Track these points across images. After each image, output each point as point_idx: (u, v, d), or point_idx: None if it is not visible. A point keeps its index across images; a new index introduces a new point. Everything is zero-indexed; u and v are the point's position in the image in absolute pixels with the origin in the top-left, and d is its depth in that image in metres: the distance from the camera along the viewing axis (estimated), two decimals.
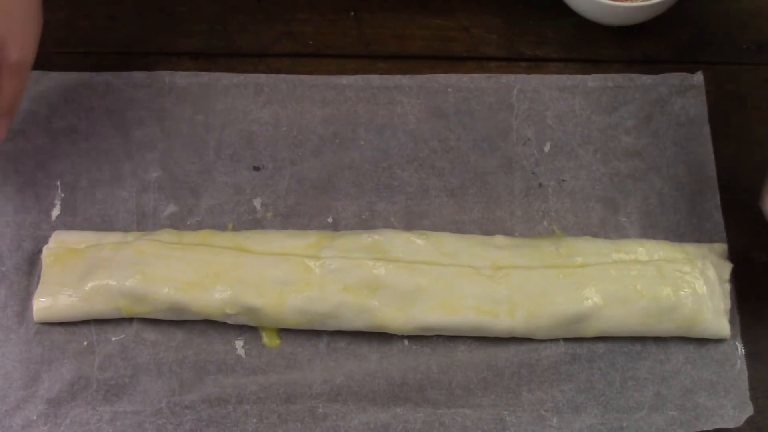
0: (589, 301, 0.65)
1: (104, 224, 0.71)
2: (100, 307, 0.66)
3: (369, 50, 0.79)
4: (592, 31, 0.79)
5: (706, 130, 0.74)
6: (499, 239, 0.69)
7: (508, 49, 0.79)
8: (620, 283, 0.66)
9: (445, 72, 0.77)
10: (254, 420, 0.65)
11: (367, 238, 0.67)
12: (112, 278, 0.66)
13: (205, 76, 0.76)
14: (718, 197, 0.72)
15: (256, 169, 0.73)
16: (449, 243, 0.68)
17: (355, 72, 0.77)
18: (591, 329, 0.66)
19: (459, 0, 0.81)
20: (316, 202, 0.72)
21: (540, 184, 0.73)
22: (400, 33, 0.80)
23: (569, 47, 0.79)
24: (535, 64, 0.78)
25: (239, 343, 0.67)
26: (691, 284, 0.66)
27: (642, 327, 0.66)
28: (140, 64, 0.78)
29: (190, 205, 0.72)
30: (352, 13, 0.81)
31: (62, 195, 0.72)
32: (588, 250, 0.68)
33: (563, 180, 0.73)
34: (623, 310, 0.65)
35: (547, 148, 0.74)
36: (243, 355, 0.67)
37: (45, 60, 0.76)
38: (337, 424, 0.65)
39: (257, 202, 0.72)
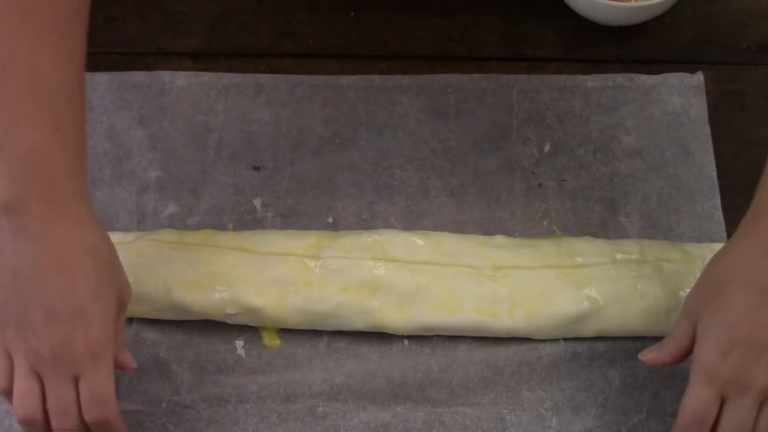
0: (589, 301, 0.65)
1: (104, 224, 0.71)
2: None
3: (369, 50, 0.79)
4: (592, 31, 0.79)
5: (706, 130, 0.75)
6: (499, 239, 0.69)
7: (508, 49, 0.79)
8: (620, 283, 0.66)
9: (445, 72, 0.77)
10: (254, 419, 0.65)
11: (367, 238, 0.67)
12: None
13: (205, 76, 0.76)
14: (718, 197, 0.72)
15: (256, 169, 0.73)
16: (449, 243, 0.68)
17: (355, 72, 0.77)
18: (591, 329, 0.66)
19: (459, 0, 0.81)
20: (316, 202, 0.72)
21: (540, 184, 0.73)
22: (400, 33, 0.80)
23: (569, 47, 0.79)
24: (535, 64, 0.78)
25: (239, 343, 0.67)
26: (690, 284, 0.65)
27: (642, 327, 0.66)
28: (140, 64, 0.78)
29: (190, 205, 0.72)
30: (352, 13, 0.81)
31: None
32: (588, 250, 0.68)
33: (563, 180, 0.73)
34: (623, 311, 0.65)
35: (547, 148, 0.74)
36: (243, 355, 0.67)
37: None
38: (337, 423, 0.64)
39: (257, 202, 0.72)
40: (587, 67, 0.78)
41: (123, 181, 0.73)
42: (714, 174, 0.73)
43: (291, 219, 0.72)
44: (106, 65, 0.77)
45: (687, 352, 0.58)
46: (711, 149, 0.74)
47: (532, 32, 0.80)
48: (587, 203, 0.72)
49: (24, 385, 0.55)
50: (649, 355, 0.60)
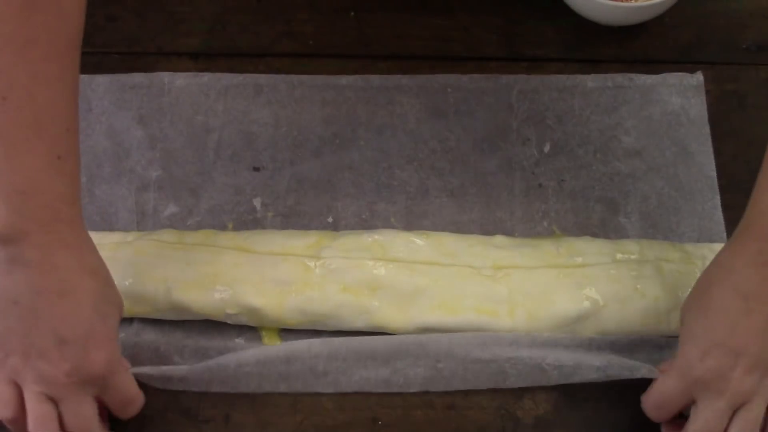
0: (589, 301, 0.65)
1: (103, 223, 0.71)
2: None
3: (369, 50, 0.79)
4: (592, 31, 0.79)
5: (706, 130, 0.75)
6: (500, 239, 0.69)
7: (508, 49, 0.79)
8: (620, 283, 0.66)
9: (445, 72, 0.77)
10: (256, 378, 0.64)
11: (367, 238, 0.67)
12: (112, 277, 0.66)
13: (204, 77, 0.76)
14: (718, 197, 0.72)
15: (256, 169, 0.73)
16: (449, 243, 0.68)
17: (355, 72, 0.77)
18: (591, 329, 0.66)
19: (459, 0, 0.81)
20: (316, 202, 0.72)
21: (540, 185, 0.73)
22: (400, 33, 0.80)
23: (569, 47, 0.79)
24: (535, 64, 0.78)
25: (239, 341, 0.67)
26: (690, 284, 0.65)
27: (642, 327, 0.66)
28: (140, 64, 0.78)
29: (190, 205, 0.72)
30: (352, 13, 0.81)
31: None
32: (588, 249, 0.68)
33: (563, 180, 0.73)
34: (623, 310, 0.65)
35: (546, 149, 0.74)
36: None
37: None
38: (338, 379, 0.64)
39: (257, 202, 0.72)
40: (587, 67, 0.78)
41: (123, 179, 0.73)
42: (714, 174, 0.73)
43: (291, 219, 0.72)
44: (106, 65, 0.77)
45: None
46: (711, 149, 0.74)
47: (532, 32, 0.80)
48: (587, 203, 0.72)
49: (39, 411, 0.56)
50: (664, 366, 0.62)
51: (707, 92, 0.76)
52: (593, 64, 0.78)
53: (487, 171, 0.73)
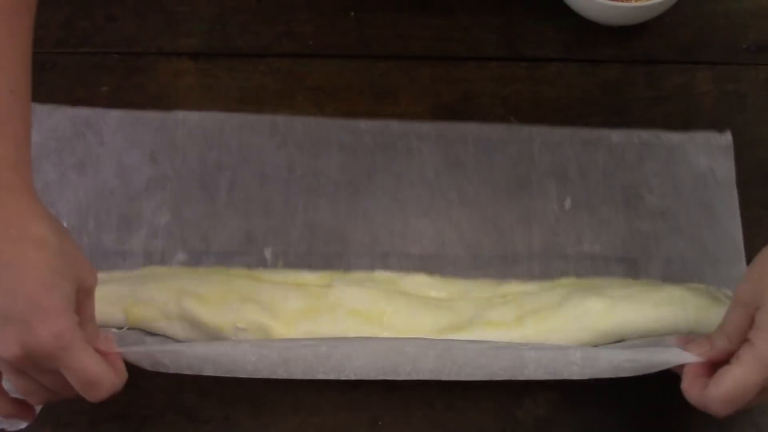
0: (602, 304, 0.64)
1: (110, 269, 0.69)
2: (101, 310, 0.61)
3: (369, 50, 0.79)
4: (592, 31, 0.79)
5: (734, 192, 0.72)
6: (513, 283, 0.69)
7: (508, 49, 0.79)
8: (635, 292, 0.65)
9: (445, 72, 0.77)
10: (253, 359, 0.59)
11: (380, 276, 0.68)
12: (119, 286, 0.65)
13: (219, 115, 0.74)
14: (743, 263, 0.69)
15: (268, 214, 0.71)
16: (461, 284, 0.68)
17: (356, 72, 0.77)
18: (606, 332, 0.64)
19: (459, 0, 0.81)
20: (327, 251, 0.70)
21: (559, 241, 0.71)
22: (400, 33, 0.80)
23: (569, 47, 0.79)
24: (535, 64, 0.78)
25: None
26: (708, 303, 0.65)
27: (658, 327, 0.64)
28: (140, 64, 0.78)
29: (200, 252, 0.70)
30: (352, 13, 0.81)
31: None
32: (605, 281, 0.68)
33: (583, 236, 0.71)
34: (637, 313, 0.64)
35: (567, 204, 0.72)
36: None
37: (45, 60, 0.76)
38: (342, 363, 0.59)
39: (268, 252, 0.70)
40: (587, 67, 0.78)
41: (132, 226, 0.70)
42: (740, 238, 0.70)
43: (301, 268, 0.70)
44: (106, 65, 0.77)
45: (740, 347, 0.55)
46: (738, 212, 0.71)
47: (532, 32, 0.80)
48: (608, 264, 0.70)
49: (20, 384, 0.55)
50: (698, 350, 0.57)
51: (707, 92, 0.76)
52: (593, 64, 0.78)
53: (504, 225, 0.71)
